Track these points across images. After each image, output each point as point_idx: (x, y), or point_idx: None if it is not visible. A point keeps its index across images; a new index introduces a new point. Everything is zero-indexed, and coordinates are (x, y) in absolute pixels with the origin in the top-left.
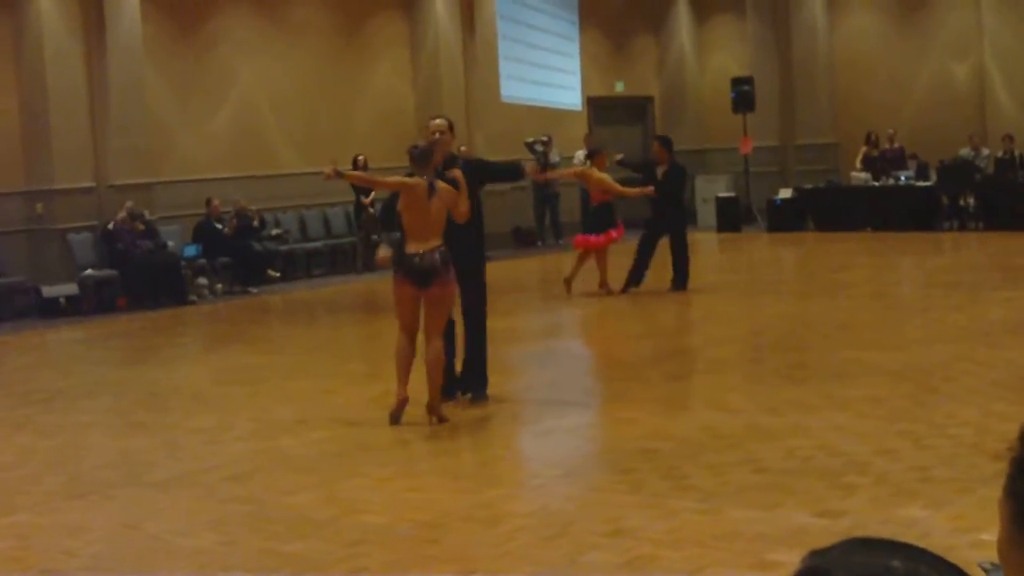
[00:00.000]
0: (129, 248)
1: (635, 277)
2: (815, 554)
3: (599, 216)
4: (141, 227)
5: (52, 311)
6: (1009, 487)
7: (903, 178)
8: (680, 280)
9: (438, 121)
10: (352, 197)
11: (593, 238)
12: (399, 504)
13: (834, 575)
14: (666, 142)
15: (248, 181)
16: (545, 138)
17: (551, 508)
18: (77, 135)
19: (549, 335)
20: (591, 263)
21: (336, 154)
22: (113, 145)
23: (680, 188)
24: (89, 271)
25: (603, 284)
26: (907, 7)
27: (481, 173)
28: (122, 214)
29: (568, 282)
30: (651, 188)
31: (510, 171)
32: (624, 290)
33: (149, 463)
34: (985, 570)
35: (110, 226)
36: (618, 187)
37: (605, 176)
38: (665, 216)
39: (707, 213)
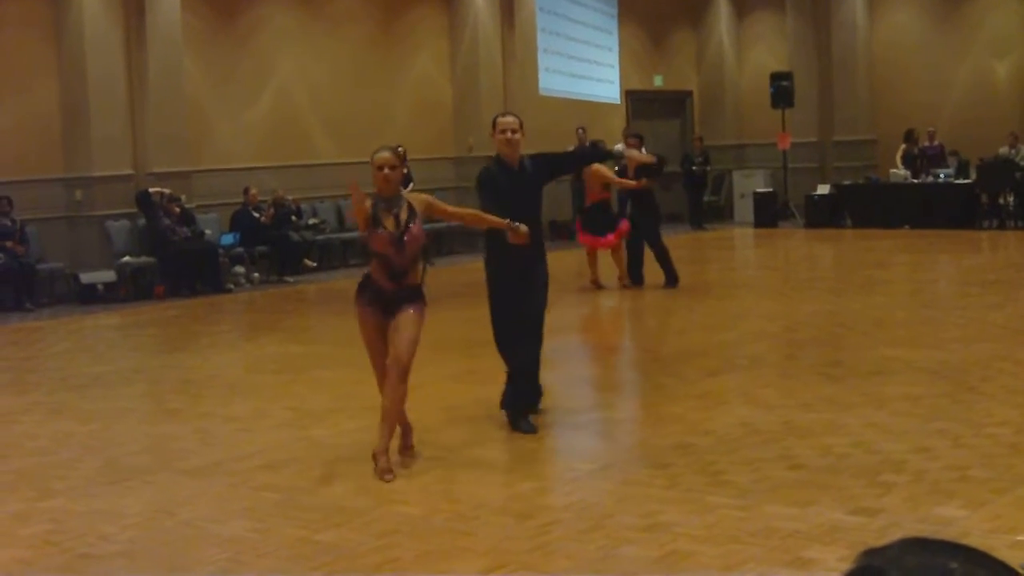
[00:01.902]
0: (166, 223)
1: (634, 275)
2: (869, 553)
3: (599, 213)
4: (177, 209)
5: (90, 297)
6: None
7: (942, 176)
8: (669, 276)
9: (509, 119)
10: None
11: (604, 239)
12: (433, 495)
13: (888, 575)
14: (639, 138)
15: (286, 170)
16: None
17: (586, 502)
18: (116, 123)
19: (584, 329)
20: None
21: (374, 144)
22: (152, 133)
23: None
24: (127, 258)
25: (595, 280)
26: (948, 4)
27: (550, 166)
28: (163, 190)
29: (595, 281)
30: (643, 181)
31: (583, 155)
32: (631, 286)
33: (184, 450)
34: None
35: (150, 190)
36: (616, 178)
37: (603, 168)
38: (641, 212)
39: (744, 208)
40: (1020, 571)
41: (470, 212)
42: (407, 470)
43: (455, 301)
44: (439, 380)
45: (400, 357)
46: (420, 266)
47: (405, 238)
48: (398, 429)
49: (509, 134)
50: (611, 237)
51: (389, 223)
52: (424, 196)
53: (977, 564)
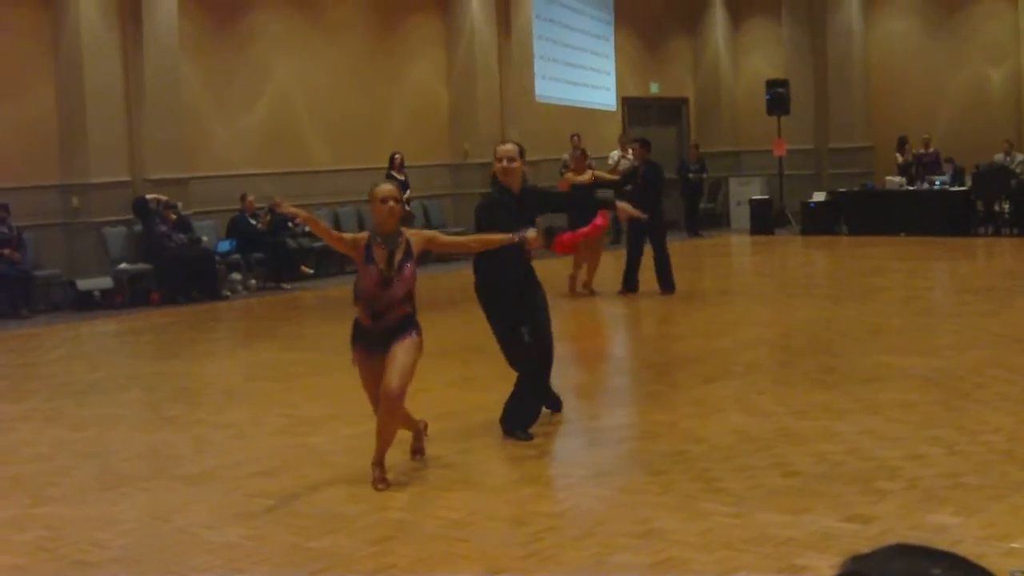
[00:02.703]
0: (162, 230)
1: (630, 282)
2: (855, 559)
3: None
4: (173, 216)
5: (86, 304)
6: None
7: (938, 183)
8: (666, 283)
9: (507, 147)
10: None
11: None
12: (427, 501)
13: None
14: (645, 144)
15: (283, 177)
16: None
17: (580, 508)
18: (113, 129)
19: (580, 336)
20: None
21: (371, 151)
22: (149, 139)
23: (657, 188)
24: (123, 265)
25: (573, 280)
26: (943, 11)
27: (545, 201)
28: (160, 197)
29: (572, 280)
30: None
31: (576, 200)
32: (622, 292)
33: (179, 457)
34: None
35: (147, 196)
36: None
37: (572, 180)
38: (651, 220)
39: (740, 215)
40: None
41: (474, 238)
42: (402, 476)
43: (453, 307)
44: (436, 386)
45: (391, 389)
46: (411, 301)
47: (396, 280)
48: (408, 434)
49: (506, 162)
50: (581, 231)
51: (381, 259)
52: (426, 233)
53: (960, 570)
